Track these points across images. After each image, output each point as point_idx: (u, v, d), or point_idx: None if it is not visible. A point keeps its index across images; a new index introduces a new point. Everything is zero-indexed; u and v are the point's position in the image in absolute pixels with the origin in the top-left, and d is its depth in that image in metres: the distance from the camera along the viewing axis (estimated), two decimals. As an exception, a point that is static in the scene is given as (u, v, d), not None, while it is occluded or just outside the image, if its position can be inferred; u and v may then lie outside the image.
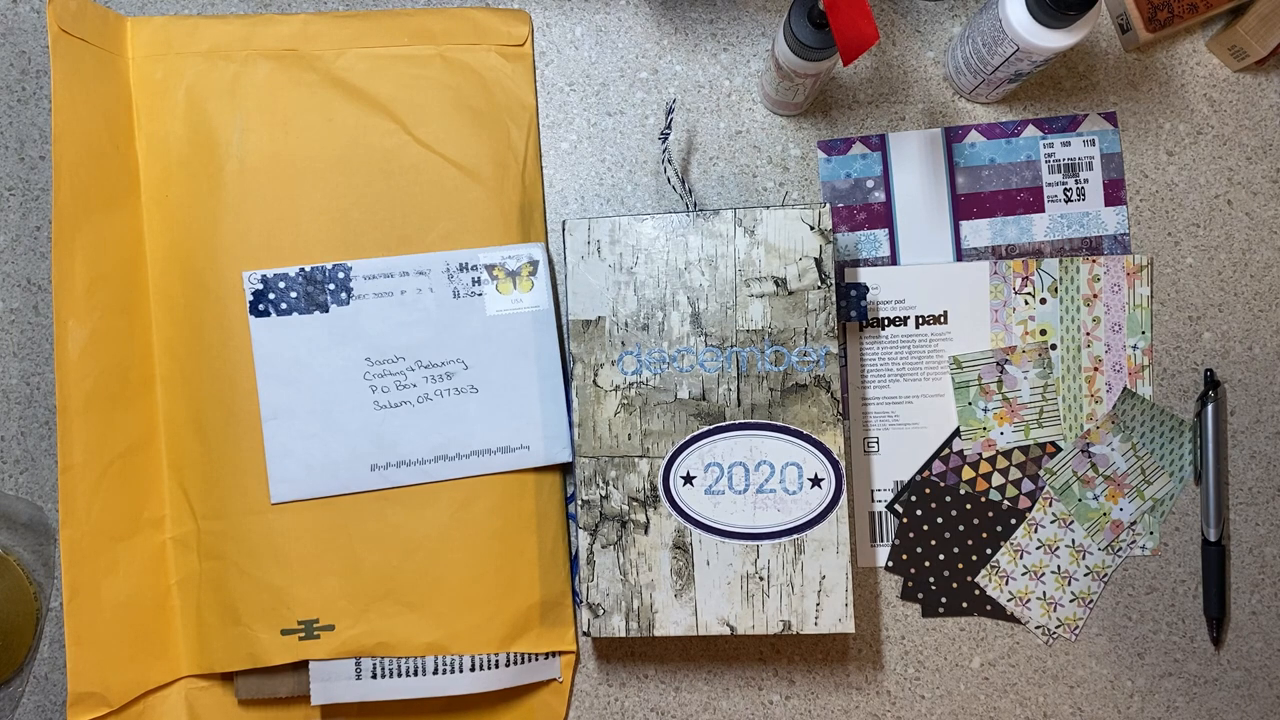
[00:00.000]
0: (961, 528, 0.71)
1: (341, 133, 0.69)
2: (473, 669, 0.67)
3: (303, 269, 0.68)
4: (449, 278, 0.69)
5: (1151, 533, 0.71)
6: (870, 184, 0.72)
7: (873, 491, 0.71)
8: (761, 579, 0.65)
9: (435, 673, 0.67)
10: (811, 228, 0.65)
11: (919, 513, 0.71)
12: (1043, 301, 0.71)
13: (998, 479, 0.71)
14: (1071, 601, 0.70)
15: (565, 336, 0.71)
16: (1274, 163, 0.72)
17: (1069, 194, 0.72)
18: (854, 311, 0.67)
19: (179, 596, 0.68)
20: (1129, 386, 0.71)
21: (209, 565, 0.68)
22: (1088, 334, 0.71)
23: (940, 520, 0.71)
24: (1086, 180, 0.72)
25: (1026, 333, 0.71)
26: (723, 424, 0.65)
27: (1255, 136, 0.72)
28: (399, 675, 0.67)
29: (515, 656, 0.68)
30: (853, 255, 0.72)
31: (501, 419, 0.69)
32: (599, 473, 0.66)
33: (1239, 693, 0.70)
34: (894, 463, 0.71)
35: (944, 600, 0.71)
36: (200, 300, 0.68)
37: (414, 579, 0.67)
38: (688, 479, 0.65)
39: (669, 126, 0.67)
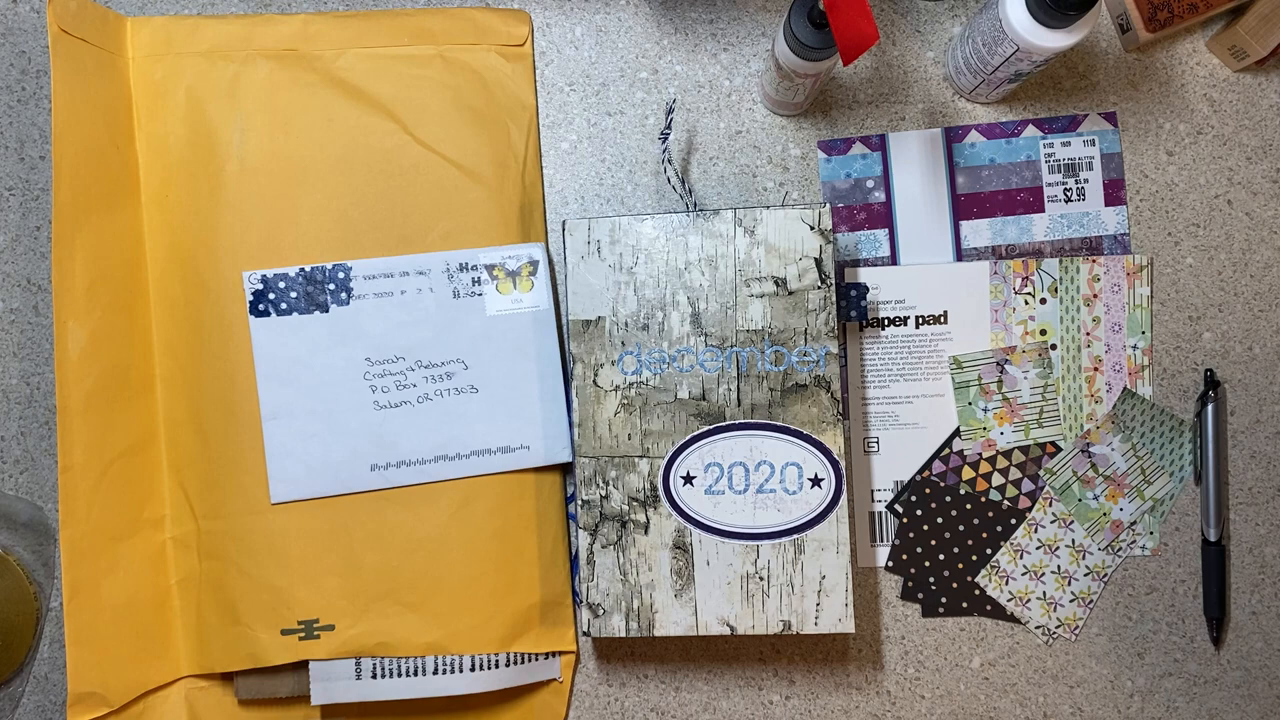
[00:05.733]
0: (961, 528, 0.71)
1: (341, 133, 0.69)
2: (473, 669, 0.67)
3: (303, 269, 0.68)
4: (449, 278, 0.69)
5: (1151, 533, 0.71)
6: (870, 184, 0.72)
7: (873, 491, 0.71)
8: (761, 579, 0.65)
9: (435, 673, 0.67)
10: (811, 228, 0.65)
11: (919, 513, 0.71)
12: (1043, 301, 0.71)
13: (998, 479, 0.71)
14: (1071, 601, 0.70)
15: (565, 336, 0.71)
16: (1274, 163, 0.72)
17: (1069, 194, 0.72)
18: (854, 311, 0.67)
19: (179, 596, 0.68)
20: (1129, 386, 0.71)
21: (209, 565, 0.68)
22: (1088, 334, 0.71)
23: (940, 520, 0.71)
24: (1086, 180, 0.72)
25: (1026, 333, 0.71)
26: (723, 424, 0.65)
27: (1255, 136, 0.72)
28: (399, 675, 0.67)
29: (515, 656, 0.68)
30: (853, 255, 0.72)
31: (501, 419, 0.69)
32: (599, 473, 0.66)
33: (1239, 693, 0.70)
34: (894, 463, 0.71)
35: (944, 600, 0.71)
36: (200, 300, 0.68)
37: (414, 579, 0.67)
38: (688, 479, 0.65)
39: (669, 126, 0.67)
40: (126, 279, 0.67)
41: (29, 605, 0.69)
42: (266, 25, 0.70)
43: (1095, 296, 0.71)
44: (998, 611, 0.71)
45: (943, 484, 0.71)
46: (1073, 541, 0.70)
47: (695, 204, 0.72)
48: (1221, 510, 0.70)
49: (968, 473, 0.71)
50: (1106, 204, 0.72)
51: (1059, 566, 0.70)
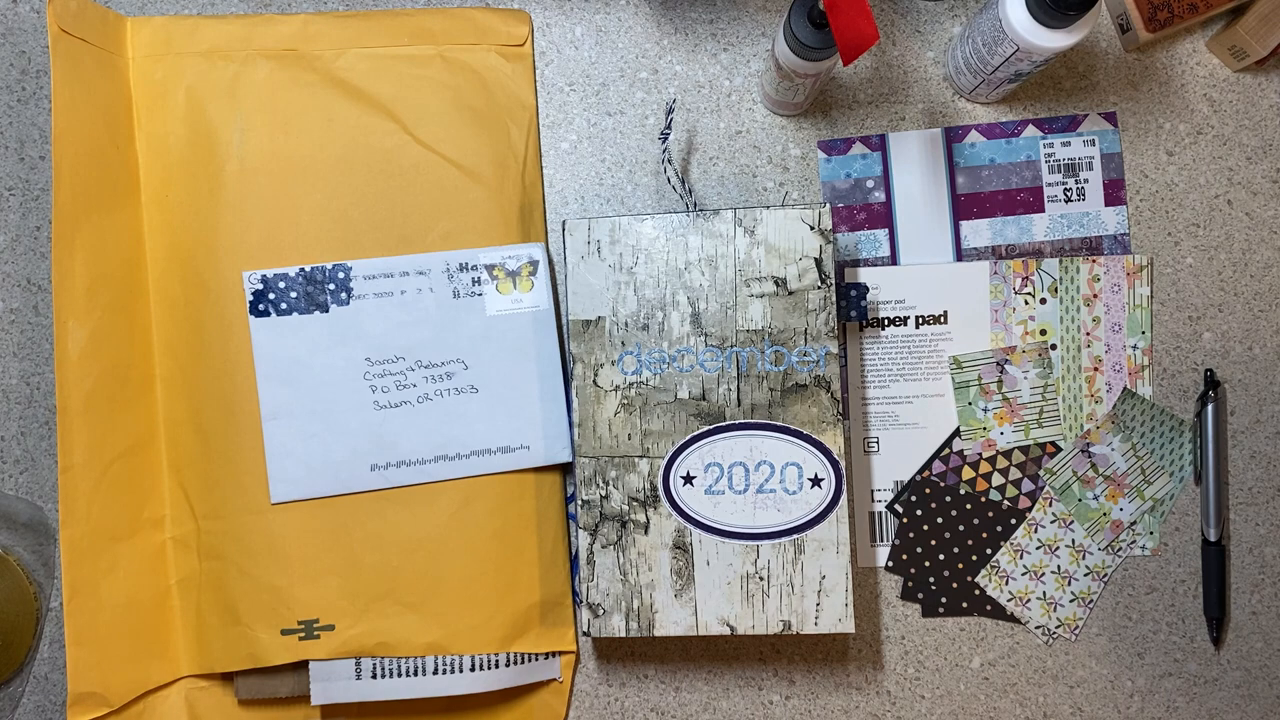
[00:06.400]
0: (961, 528, 0.71)
1: (341, 133, 0.69)
2: (473, 669, 0.67)
3: (303, 269, 0.68)
4: (449, 278, 0.69)
5: (1151, 533, 0.71)
6: (870, 184, 0.72)
7: (873, 491, 0.71)
8: (761, 579, 0.65)
9: (435, 673, 0.67)
10: (811, 228, 0.65)
11: (919, 513, 0.71)
12: (1043, 301, 0.71)
13: (998, 479, 0.71)
14: (1071, 601, 0.70)
15: (565, 336, 0.71)
16: (1274, 163, 0.72)
17: (1069, 194, 0.72)
18: (854, 311, 0.67)
19: (179, 596, 0.68)
20: (1129, 386, 0.71)
21: (209, 565, 0.68)
22: (1088, 334, 0.71)
23: (940, 520, 0.71)
24: (1086, 180, 0.72)
25: (1026, 333, 0.71)
26: (723, 424, 0.65)
27: (1255, 136, 0.72)
28: (399, 675, 0.67)
29: (515, 656, 0.68)
30: (853, 255, 0.72)
31: (501, 419, 0.69)
32: (599, 473, 0.66)
33: (1239, 693, 0.70)
34: (894, 463, 0.71)
35: (944, 600, 0.71)
36: (200, 300, 0.68)
37: (414, 579, 0.67)
38: (688, 479, 0.65)
39: (669, 126, 0.67)
40: (126, 279, 0.67)
41: (29, 605, 0.69)
42: (266, 25, 0.70)
43: (1095, 296, 0.71)
44: (998, 611, 0.71)
45: (943, 484, 0.71)
46: (1073, 541, 0.70)
47: (695, 204, 0.72)
48: (1221, 510, 0.70)
49: (968, 473, 0.71)
50: (1106, 204, 0.72)
51: (1059, 566, 0.70)
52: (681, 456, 0.66)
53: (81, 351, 0.64)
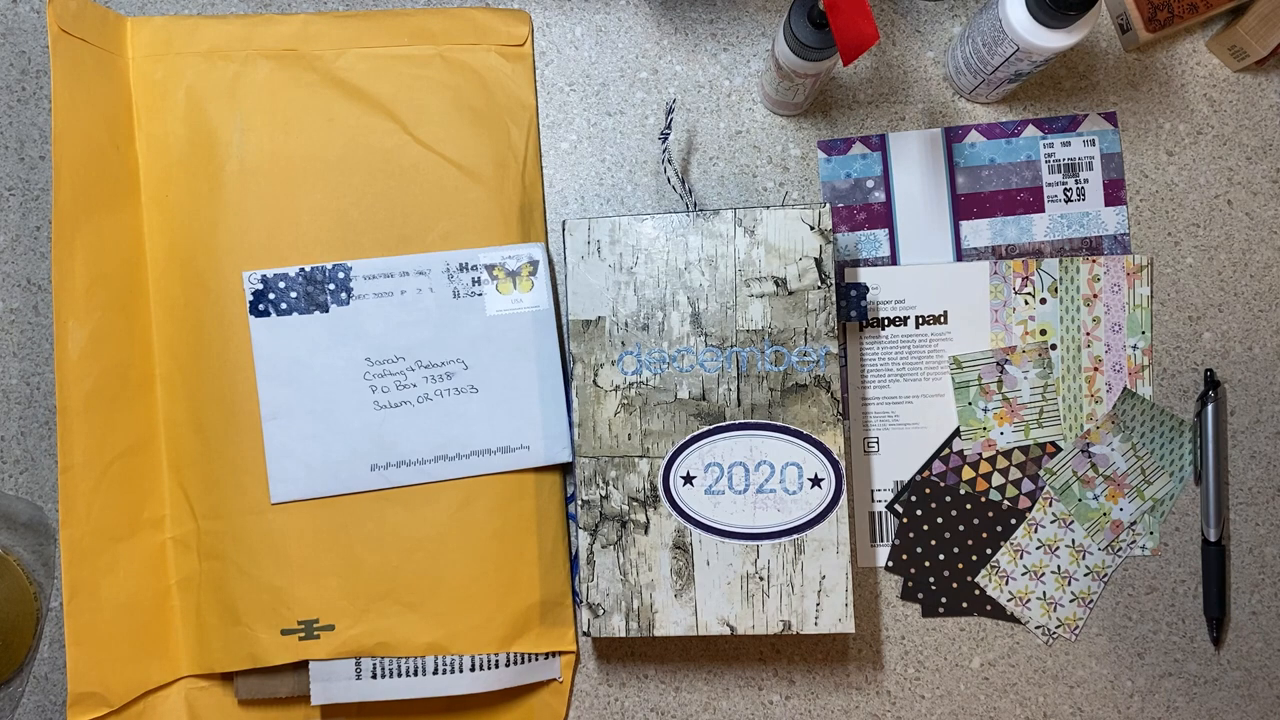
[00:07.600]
0: (961, 528, 0.71)
1: (341, 133, 0.69)
2: (473, 669, 0.67)
3: (303, 269, 0.68)
4: (449, 278, 0.69)
5: (1151, 533, 0.71)
6: (870, 184, 0.72)
7: (873, 491, 0.71)
8: (761, 579, 0.65)
9: (435, 673, 0.67)
10: (811, 228, 0.65)
11: (919, 513, 0.71)
12: (1043, 301, 0.71)
13: (998, 479, 0.71)
14: (1071, 601, 0.70)
15: (565, 336, 0.71)
16: (1274, 163, 0.72)
17: (1069, 194, 0.72)
18: (854, 311, 0.67)
19: (179, 596, 0.68)
20: (1129, 386, 0.71)
21: (209, 565, 0.68)
22: (1088, 334, 0.71)
23: (940, 520, 0.71)
24: (1086, 180, 0.72)
25: (1026, 333, 0.71)
26: (723, 424, 0.65)
27: (1255, 136, 0.72)
28: (399, 675, 0.67)
29: (515, 656, 0.68)
30: (853, 255, 0.72)
31: (501, 419, 0.69)
32: (599, 473, 0.66)
33: (1239, 693, 0.70)
34: (894, 463, 0.71)
35: (944, 600, 0.71)
36: (200, 300, 0.68)
37: (414, 579, 0.67)
38: (688, 479, 0.65)
39: (669, 126, 0.67)
40: (126, 279, 0.67)
41: (29, 605, 0.69)
42: (266, 25, 0.70)
43: (1095, 296, 0.71)
44: (998, 611, 0.71)
45: (943, 484, 0.71)
46: (1073, 541, 0.70)
47: (695, 204, 0.72)
48: (1221, 510, 0.70)
49: (968, 473, 0.71)
50: (1106, 204, 0.72)
51: (1059, 566, 0.70)
52: (681, 456, 0.66)
53: (81, 351, 0.64)
